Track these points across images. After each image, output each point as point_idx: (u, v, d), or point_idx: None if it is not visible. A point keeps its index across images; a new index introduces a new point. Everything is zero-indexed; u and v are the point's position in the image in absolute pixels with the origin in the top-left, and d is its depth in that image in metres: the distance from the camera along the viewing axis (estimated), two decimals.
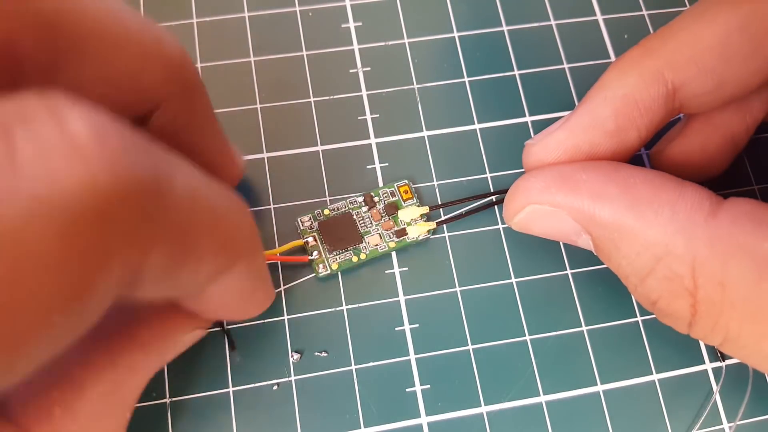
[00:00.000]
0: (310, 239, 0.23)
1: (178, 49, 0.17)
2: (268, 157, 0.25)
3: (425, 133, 0.26)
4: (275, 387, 0.22)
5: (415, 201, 0.24)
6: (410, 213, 0.24)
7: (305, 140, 0.25)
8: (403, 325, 0.23)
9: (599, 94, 0.20)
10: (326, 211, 0.24)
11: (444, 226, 0.24)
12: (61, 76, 0.14)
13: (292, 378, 0.22)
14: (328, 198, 0.25)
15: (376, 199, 0.24)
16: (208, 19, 0.27)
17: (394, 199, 0.24)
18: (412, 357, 0.23)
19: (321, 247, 0.23)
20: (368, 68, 0.27)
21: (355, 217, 0.24)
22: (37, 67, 0.13)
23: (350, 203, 0.24)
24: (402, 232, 0.24)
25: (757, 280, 0.16)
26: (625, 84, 0.20)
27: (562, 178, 0.19)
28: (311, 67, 0.26)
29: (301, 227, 0.24)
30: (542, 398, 0.22)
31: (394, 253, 0.24)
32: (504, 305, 0.23)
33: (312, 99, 0.26)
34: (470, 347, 0.23)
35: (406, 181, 0.25)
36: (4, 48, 0.12)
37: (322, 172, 0.25)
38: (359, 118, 0.26)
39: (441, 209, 0.24)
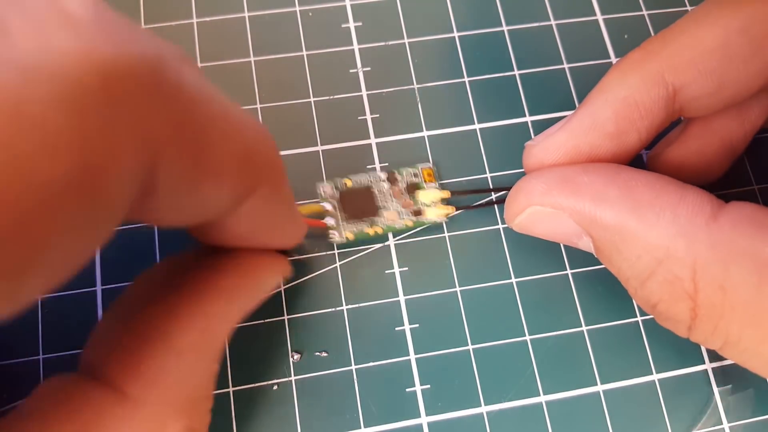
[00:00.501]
0: (328, 205, 0.24)
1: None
2: None
3: (425, 133, 0.26)
4: (275, 387, 0.22)
5: (436, 185, 0.25)
6: (431, 195, 0.24)
7: (305, 140, 0.25)
8: (403, 325, 0.23)
9: (600, 96, 0.20)
10: (347, 182, 0.24)
11: (444, 225, 0.24)
12: None
13: (292, 378, 0.22)
14: None
15: (398, 177, 0.24)
16: (208, 19, 0.27)
17: (416, 180, 0.24)
18: (412, 357, 0.23)
19: (338, 215, 0.24)
20: (368, 68, 0.27)
21: (375, 191, 0.24)
22: None
23: (372, 178, 0.24)
24: (419, 212, 0.24)
25: (758, 284, 0.16)
26: (626, 86, 0.20)
27: (564, 180, 0.19)
28: (311, 67, 0.26)
29: (323, 194, 0.24)
30: (542, 398, 0.22)
31: (394, 254, 0.24)
32: (504, 305, 0.23)
33: (312, 99, 0.26)
34: (470, 347, 0.23)
35: (431, 164, 0.25)
36: None
37: (322, 173, 0.25)
38: (359, 118, 0.26)
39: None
